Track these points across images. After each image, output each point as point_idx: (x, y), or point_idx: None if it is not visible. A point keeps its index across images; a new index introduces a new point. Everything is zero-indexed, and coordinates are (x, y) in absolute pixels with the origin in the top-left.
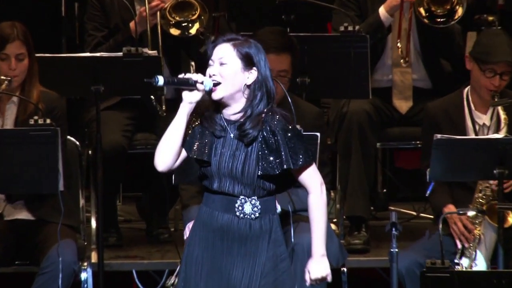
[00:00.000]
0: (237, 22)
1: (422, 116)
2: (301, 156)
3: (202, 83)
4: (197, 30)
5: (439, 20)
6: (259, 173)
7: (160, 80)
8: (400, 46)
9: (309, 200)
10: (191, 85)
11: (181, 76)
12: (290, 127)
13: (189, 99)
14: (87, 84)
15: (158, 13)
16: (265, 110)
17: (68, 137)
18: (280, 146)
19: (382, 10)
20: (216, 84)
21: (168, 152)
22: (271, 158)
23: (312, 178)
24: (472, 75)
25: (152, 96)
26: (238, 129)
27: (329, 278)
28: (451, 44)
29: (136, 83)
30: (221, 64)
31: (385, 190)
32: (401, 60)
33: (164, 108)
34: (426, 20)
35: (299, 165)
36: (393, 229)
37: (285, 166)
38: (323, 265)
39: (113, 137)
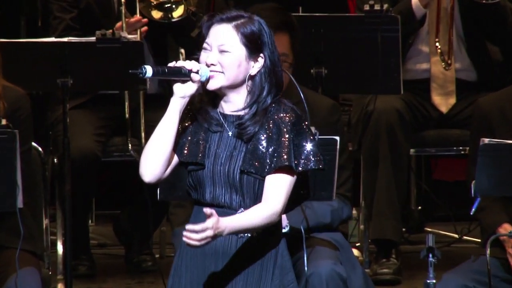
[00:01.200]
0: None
1: (466, 116)
2: (302, 160)
3: (197, 72)
4: (188, 10)
5: None
6: (242, 169)
7: (149, 70)
8: (439, 46)
9: (260, 204)
10: (185, 76)
11: (171, 64)
12: (297, 122)
13: (182, 92)
14: (52, 77)
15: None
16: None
17: None
18: (282, 141)
19: None
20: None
21: (156, 159)
22: (267, 155)
23: (279, 191)
24: None
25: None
26: (238, 126)
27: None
28: (502, 25)
29: (112, 75)
30: (222, 51)
31: (420, 208)
32: (442, 64)
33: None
34: None
35: (299, 168)
36: (430, 255)
37: (285, 163)
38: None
39: (84, 142)
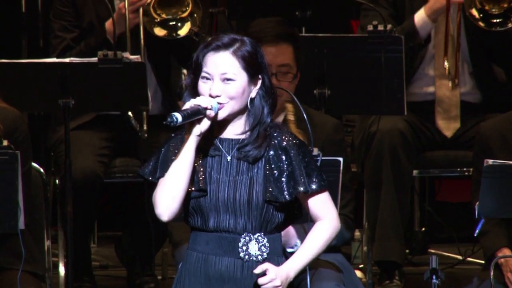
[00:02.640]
0: (240, 19)
1: (470, 137)
2: (315, 179)
3: (211, 108)
4: (190, 30)
5: (494, 21)
6: (266, 199)
7: (179, 117)
8: (447, 65)
9: (317, 224)
10: (202, 114)
11: (187, 106)
12: (301, 143)
13: (198, 131)
14: (53, 97)
15: (141, 10)
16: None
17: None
18: (293, 166)
19: (420, 14)
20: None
21: (174, 197)
22: (283, 181)
23: (326, 206)
24: None
25: (130, 114)
26: (240, 149)
27: None
28: (508, 47)
29: (114, 96)
30: (225, 80)
31: (423, 229)
32: (449, 83)
33: (145, 128)
34: (481, 23)
35: (313, 189)
36: (434, 277)
37: (301, 190)
38: (280, 282)
39: (86, 163)
